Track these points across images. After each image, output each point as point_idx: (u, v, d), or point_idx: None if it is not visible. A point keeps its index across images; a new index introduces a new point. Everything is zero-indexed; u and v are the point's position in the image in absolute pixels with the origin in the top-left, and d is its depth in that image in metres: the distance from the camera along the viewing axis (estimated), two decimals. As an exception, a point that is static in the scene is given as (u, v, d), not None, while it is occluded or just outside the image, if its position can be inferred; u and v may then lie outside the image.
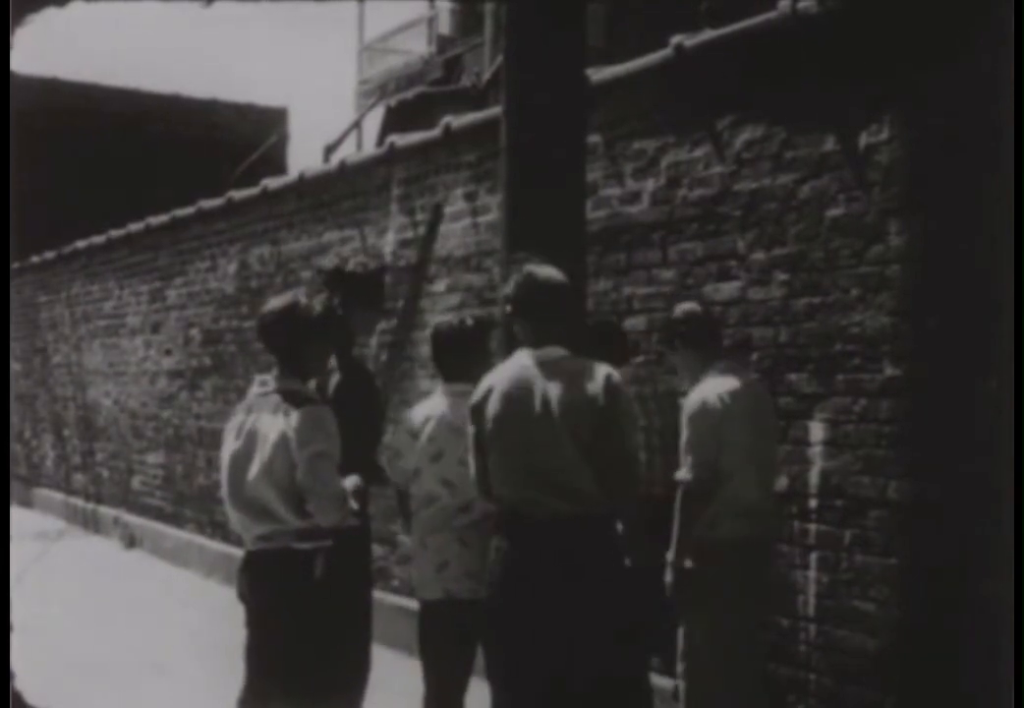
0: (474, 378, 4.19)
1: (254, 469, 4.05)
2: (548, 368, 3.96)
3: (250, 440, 4.08)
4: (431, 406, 4.49)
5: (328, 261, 4.78)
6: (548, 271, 4.05)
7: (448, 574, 4.32)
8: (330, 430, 4.00)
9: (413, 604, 7.19)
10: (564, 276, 4.07)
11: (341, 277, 4.61)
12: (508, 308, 4.10)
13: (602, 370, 3.95)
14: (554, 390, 3.91)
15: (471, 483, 4.12)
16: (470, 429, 4.03)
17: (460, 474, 4.27)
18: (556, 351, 4.00)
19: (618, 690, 4.00)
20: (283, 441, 3.97)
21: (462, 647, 4.34)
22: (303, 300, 4.14)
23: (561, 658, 3.87)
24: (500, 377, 4.01)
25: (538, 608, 3.86)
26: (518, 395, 3.94)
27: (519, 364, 4.00)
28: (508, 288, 4.08)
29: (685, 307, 4.74)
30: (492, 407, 3.95)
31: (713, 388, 4.47)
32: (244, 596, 4.17)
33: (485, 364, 4.30)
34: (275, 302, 4.19)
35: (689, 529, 4.39)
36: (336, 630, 4.11)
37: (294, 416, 3.97)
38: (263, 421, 4.05)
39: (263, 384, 4.14)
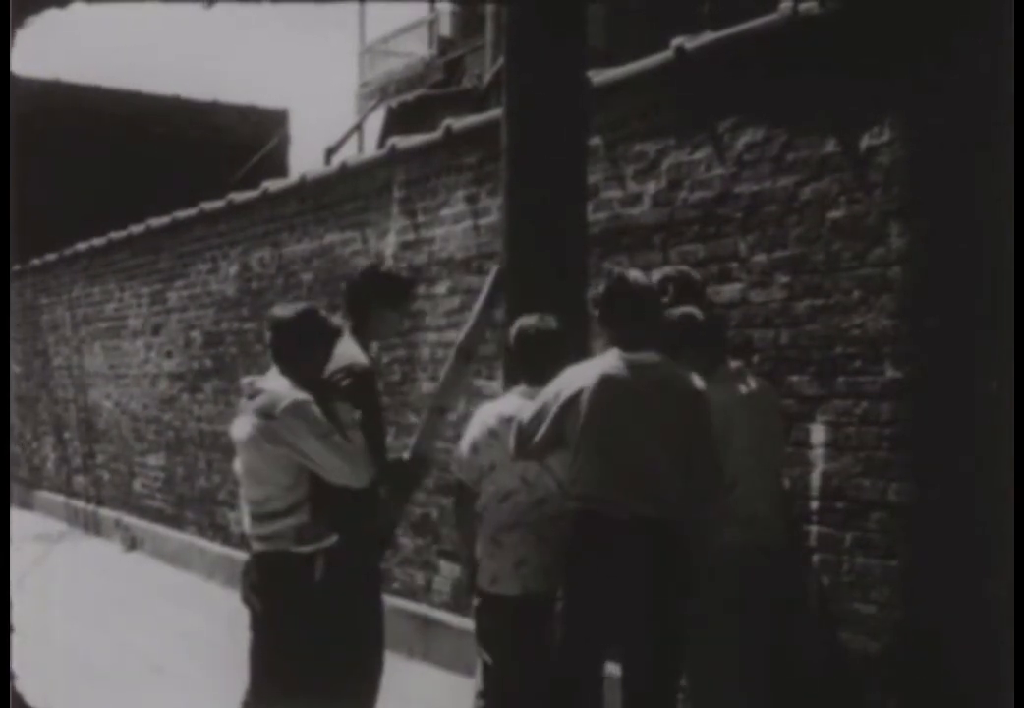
0: (548, 381, 4.25)
1: (245, 472, 4.21)
2: (641, 372, 4.06)
3: (239, 444, 4.23)
4: (510, 405, 4.43)
5: (377, 264, 5.07)
6: (636, 274, 4.20)
7: (526, 570, 4.32)
8: (315, 413, 4.10)
9: (413, 606, 7.24)
10: (651, 280, 4.23)
11: (377, 277, 4.79)
12: (596, 311, 4.20)
13: (693, 379, 4.16)
14: (648, 395, 4.04)
15: (549, 480, 4.28)
16: (550, 425, 4.07)
17: (537, 471, 4.33)
18: (651, 356, 4.12)
19: (671, 687, 4.21)
20: (260, 445, 4.09)
21: (532, 640, 4.35)
22: (322, 311, 4.38)
23: (629, 656, 4.12)
24: (590, 377, 4.05)
25: (615, 607, 4.02)
26: (612, 397, 4.02)
27: (611, 365, 4.06)
28: (597, 292, 4.17)
29: (683, 309, 4.66)
30: (578, 407, 4.02)
31: (715, 398, 4.41)
32: (248, 600, 4.20)
33: (562, 367, 4.31)
34: (293, 305, 4.38)
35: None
36: (340, 634, 4.14)
37: (278, 421, 4.07)
38: (246, 425, 4.17)
39: (250, 386, 4.23)
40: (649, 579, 4.01)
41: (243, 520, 4.28)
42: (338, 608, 4.11)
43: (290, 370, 4.23)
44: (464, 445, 4.53)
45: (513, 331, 4.54)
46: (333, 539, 4.11)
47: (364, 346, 4.64)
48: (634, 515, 3.98)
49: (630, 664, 4.16)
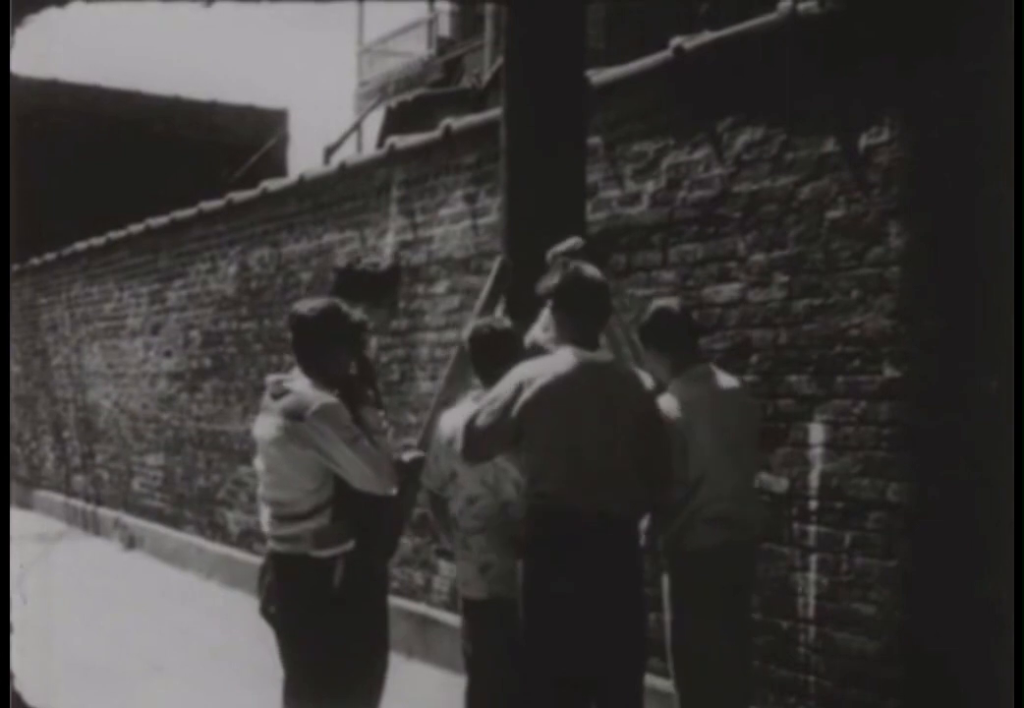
0: None
1: (267, 471, 4.17)
2: (599, 371, 4.04)
3: (262, 443, 4.17)
4: (467, 410, 4.39)
5: (341, 260, 4.86)
6: (593, 270, 4.13)
7: (492, 575, 4.31)
8: (344, 417, 4.05)
9: (412, 606, 7.25)
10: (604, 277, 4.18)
11: (353, 275, 4.67)
12: (551, 303, 4.13)
13: (644, 377, 4.16)
14: (607, 393, 4.02)
15: (509, 483, 4.24)
16: (509, 420, 4.02)
17: (497, 476, 4.30)
18: (604, 355, 4.11)
19: (638, 681, 4.17)
20: (285, 446, 4.04)
21: (506, 644, 4.34)
22: (344, 307, 4.21)
23: (599, 652, 4.06)
24: (548, 374, 4.01)
25: (584, 604, 3.98)
26: (571, 395, 3.99)
27: (567, 362, 4.03)
28: (552, 283, 4.11)
29: (659, 304, 4.61)
30: (543, 405, 3.98)
31: (680, 397, 4.39)
32: (266, 609, 4.21)
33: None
34: (314, 302, 4.23)
35: (654, 538, 4.39)
36: (355, 637, 4.15)
37: (306, 424, 4.01)
38: (271, 425, 4.11)
39: (276, 384, 4.16)
40: (617, 576, 4.00)
41: (262, 519, 4.26)
42: (354, 611, 4.12)
43: (313, 370, 4.15)
44: (429, 454, 4.54)
45: (467, 333, 4.48)
46: (351, 543, 4.10)
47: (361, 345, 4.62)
48: (600, 513, 3.97)
49: (602, 662, 4.14)
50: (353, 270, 4.69)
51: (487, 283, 4.98)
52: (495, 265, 5.00)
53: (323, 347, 4.16)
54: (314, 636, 4.07)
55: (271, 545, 4.19)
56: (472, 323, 4.81)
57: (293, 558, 4.09)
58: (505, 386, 4.07)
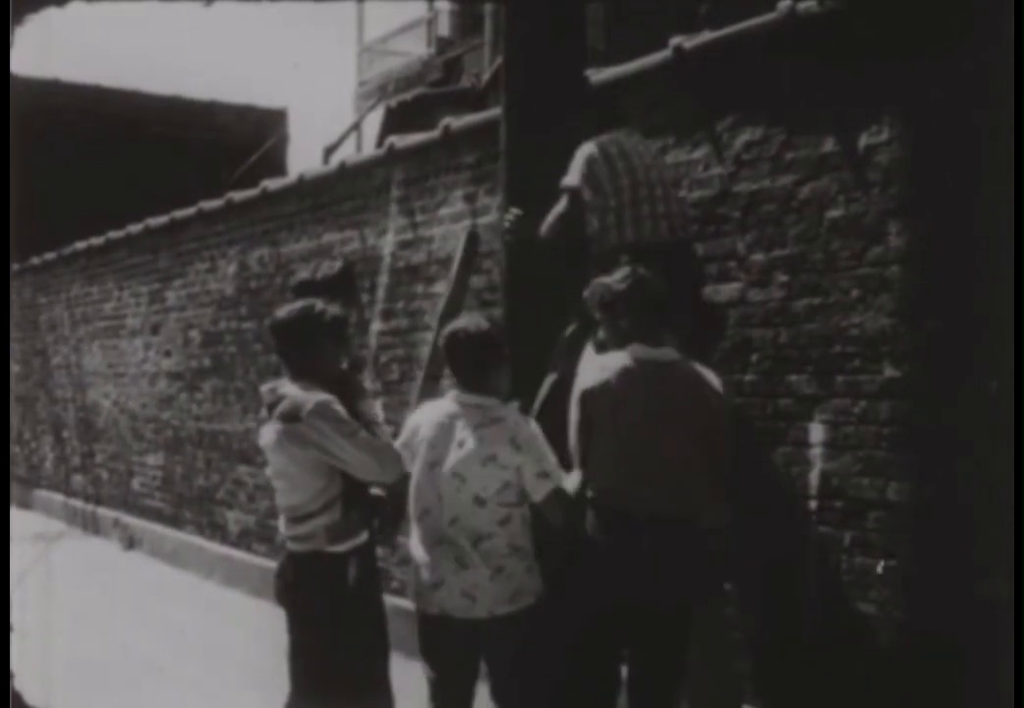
0: (490, 389, 4.14)
1: (276, 477, 4.20)
2: (661, 369, 4.04)
3: (268, 451, 4.20)
4: (440, 411, 4.29)
5: (294, 278, 4.90)
6: (651, 274, 4.19)
7: (443, 593, 4.16)
8: (339, 412, 4.05)
9: (411, 605, 7.23)
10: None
11: (312, 286, 4.69)
12: (618, 305, 4.13)
13: (712, 377, 4.13)
14: (675, 393, 4.03)
15: (466, 496, 4.10)
16: (575, 415, 4.02)
17: (458, 487, 4.13)
18: (670, 353, 4.11)
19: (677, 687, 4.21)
20: (287, 449, 4.07)
21: (460, 660, 4.28)
22: (319, 306, 4.21)
23: (640, 654, 4.11)
24: (607, 370, 4.02)
25: (631, 604, 4.00)
26: (629, 393, 3.99)
27: (627, 360, 4.04)
28: (618, 284, 4.12)
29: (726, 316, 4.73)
30: (609, 399, 3.99)
31: None
32: (282, 600, 4.22)
33: (504, 373, 4.21)
34: (291, 306, 4.28)
35: None
36: (372, 631, 4.16)
37: (304, 424, 4.02)
38: (272, 431, 4.14)
39: (271, 393, 4.18)
40: (666, 577, 4.00)
41: (280, 526, 4.28)
42: (367, 608, 4.14)
43: (302, 372, 4.16)
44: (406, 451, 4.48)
45: (445, 333, 4.30)
46: (364, 536, 4.11)
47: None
48: (652, 514, 3.97)
49: (641, 664, 4.14)
50: (312, 282, 4.71)
51: (457, 253, 4.97)
52: (464, 236, 4.99)
53: (307, 348, 4.17)
54: (334, 632, 4.08)
55: (288, 546, 4.20)
56: (447, 295, 4.78)
57: (309, 556, 4.11)
58: (573, 400, 4.08)
